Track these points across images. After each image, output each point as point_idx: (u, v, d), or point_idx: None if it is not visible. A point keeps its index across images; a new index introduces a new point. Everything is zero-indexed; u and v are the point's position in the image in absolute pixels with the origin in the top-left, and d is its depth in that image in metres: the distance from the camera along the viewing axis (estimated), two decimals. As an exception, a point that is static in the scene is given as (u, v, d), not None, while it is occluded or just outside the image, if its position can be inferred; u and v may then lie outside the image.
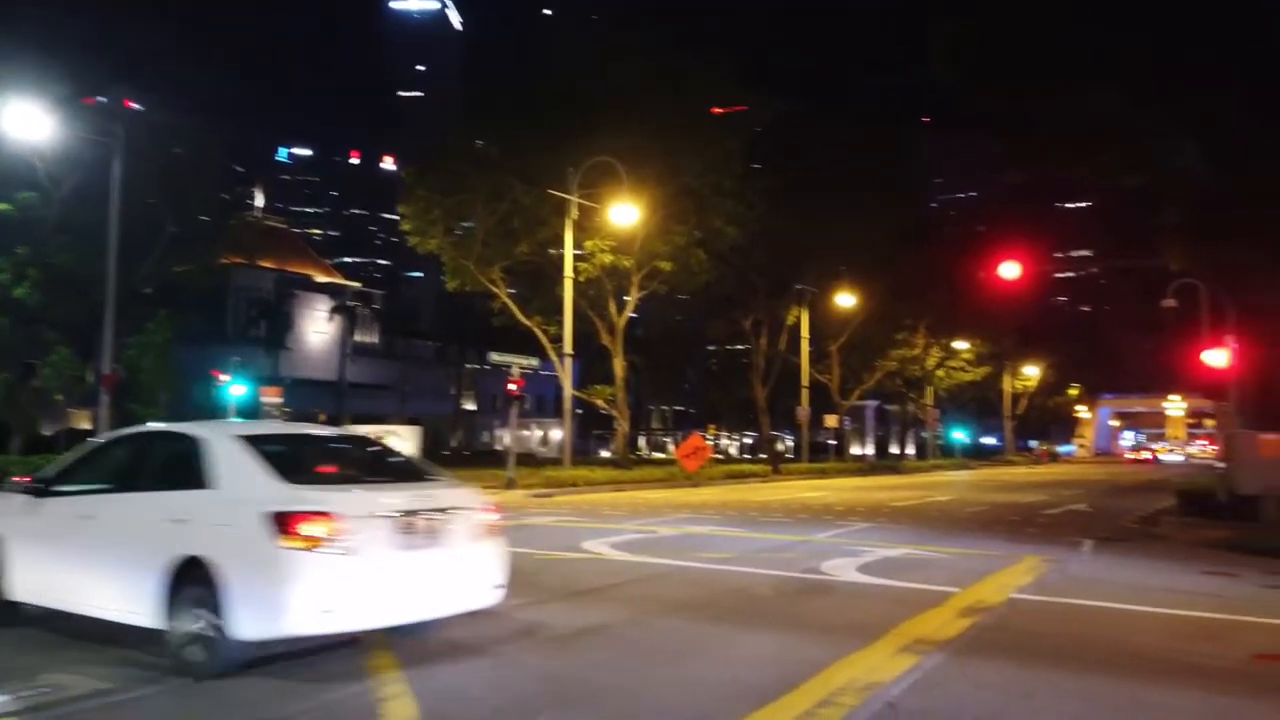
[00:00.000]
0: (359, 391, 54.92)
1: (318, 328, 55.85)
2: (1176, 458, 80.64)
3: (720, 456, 55.42)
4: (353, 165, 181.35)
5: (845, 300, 42.76)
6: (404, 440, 21.50)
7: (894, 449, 70.41)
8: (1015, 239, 38.26)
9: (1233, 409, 21.00)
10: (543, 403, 64.28)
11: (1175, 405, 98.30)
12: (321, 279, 59.01)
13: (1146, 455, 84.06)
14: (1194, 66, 17.85)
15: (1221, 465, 19.29)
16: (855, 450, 60.84)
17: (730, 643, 6.81)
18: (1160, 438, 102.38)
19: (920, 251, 45.88)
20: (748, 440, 77.94)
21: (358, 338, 57.88)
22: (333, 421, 33.74)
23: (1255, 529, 15.59)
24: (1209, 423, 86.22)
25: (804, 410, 44.03)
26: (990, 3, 20.34)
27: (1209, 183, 19.73)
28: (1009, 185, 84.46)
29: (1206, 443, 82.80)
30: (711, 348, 64.54)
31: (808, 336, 43.37)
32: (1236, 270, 20.23)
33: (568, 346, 29.49)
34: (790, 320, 43.78)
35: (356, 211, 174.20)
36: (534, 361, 36.29)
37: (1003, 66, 19.43)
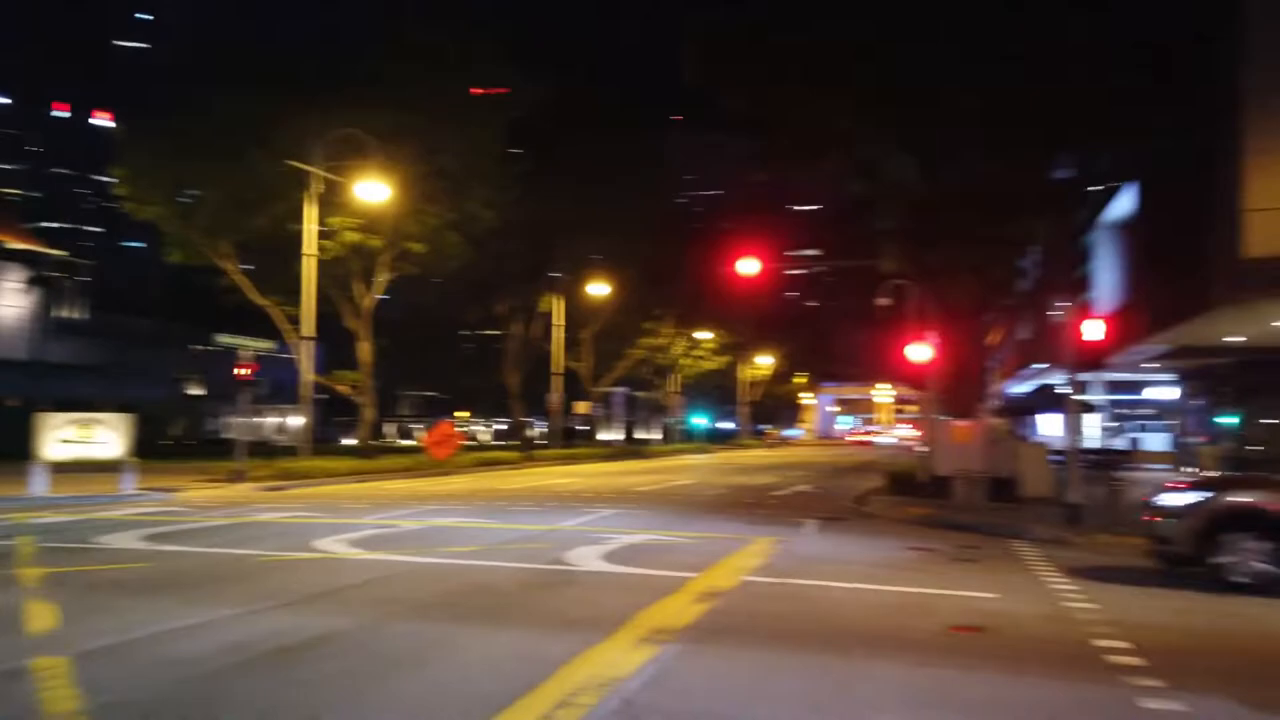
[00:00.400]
0: (62, 373, 48.69)
1: (10, 301, 48.87)
2: (889, 440, 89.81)
3: (472, 443, 54.72)
4: (59, 118, 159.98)
5: (598, 289, 43.55)
6: (111, 429, 19.21)
7: (641, 434, 72.83)
8: (755, 237, 40.58)
9: (933, 398, 23.51)
10: (281, 388, 60.10)
11: (884, 393, 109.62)
12: (15, 245, 51.61)
13: (865, 438, 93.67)
14: (911, 86, 19.70)
15: (923, 449, 21.60)
16: (605, 435, 62.27)
17: (472, 644, 6.61)
18: (871, 422, 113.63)
19: (670, 244, 47.62)
20: (500, 427, 77.50)
21: (61, 313, 51.30)
22: (27, 407, 29.54)
23: (948, 506, 17.57)
24: (911, 409, 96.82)
25: (556, 396, 44.44)
26: (732, 8, 21.32)
27: (920, 193, 21.89)
28: (751, 185, 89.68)
29: (911, 427, 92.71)
30: (465, 333, 63.44)
31: (562, 324, 43.74)
32: (939, 273, 22.62)
33: (308, 329, 27.74)
34: (545, 307, 43.95)
35: (63, 171, 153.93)
36: (269, 344, 33.70)
37: (743, 70, 20.46)
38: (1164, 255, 24.57)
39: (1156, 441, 37.98)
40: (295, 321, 29.25)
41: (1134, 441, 37.05)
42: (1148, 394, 42.53)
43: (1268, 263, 15.55)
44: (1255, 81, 15.84)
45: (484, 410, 74.87)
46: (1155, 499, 10.37)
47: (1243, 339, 22.49)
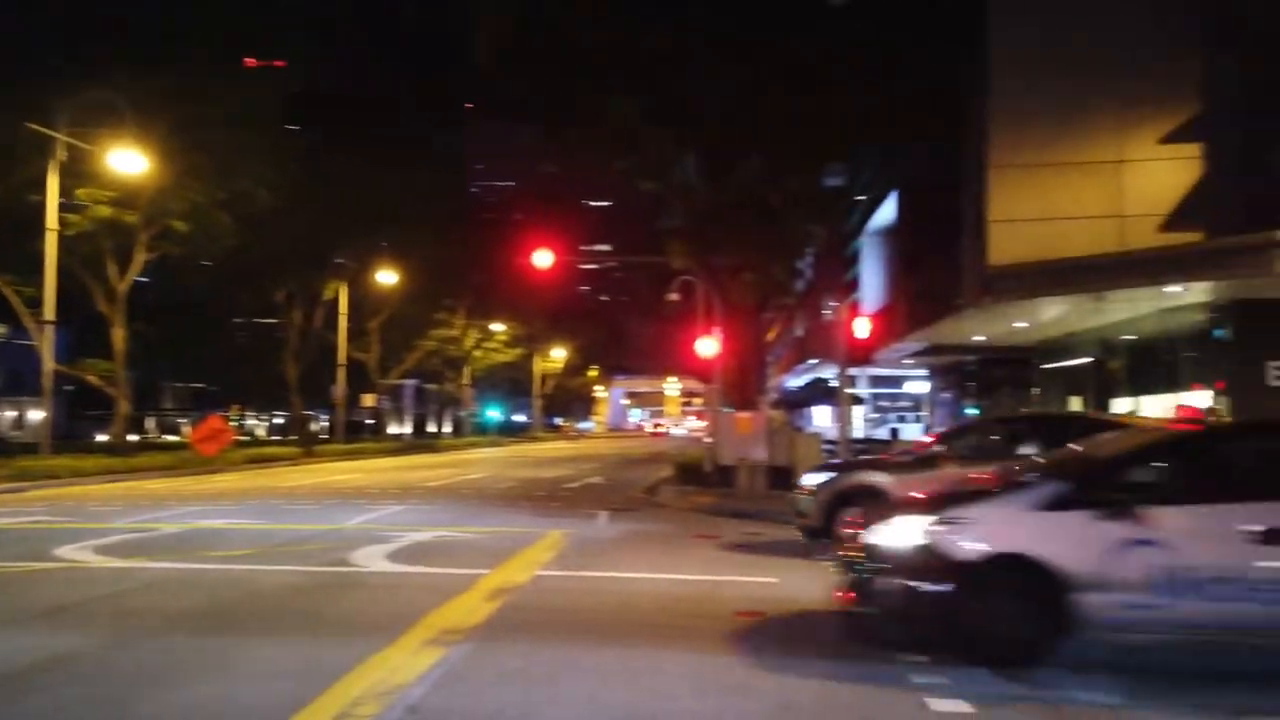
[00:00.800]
0: None
1: None
2: (682, 432, 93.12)
3: (245, 439, 51.27)
4: None
5: (386, 278, 41.99)
6: None
7: (432, 427, 71.05)
8: (548, 229, 40.59)
9: (718, 390, 24.45)
10: (19, 378, 53.63)
11: (672, 386, 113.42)
12: None
13: (662, 430, 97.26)
14: (693, 90, 20.35)
15: (709, 439, 22.42)
16: (394, 429, 60.19)
17: (241, 658, 6.08)
18: (661, 415, 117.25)
19: (461, 234, 46.65)
20: (279, 421, 73.03)
21: None
22: None
23: (732, 495, 18.31)
24: (698, 401, 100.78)
25: (340, 389, 42.42)
26: None
27: (704, 194, 22.69)
28: (544, 178, 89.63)
29: (696, 419, 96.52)
30: (239, 320, 59.14)
31: (346, 313, 41.80)
32: (722, 272, 23.54)
33: (50, 312, 24.85)
34: (328, 295, 41.75)
35: None
36: (0, 329, 29.80)
37: (534, 61, 20.37)
38: (921, 260, 26.86)
39: (913, 431, 41.53)
40: (35, 304, 26.14)
41: (894, 431, 40.32)
42: (906, 388, 46.42)
43: (1008, 270, 17.31)
44: (1000, 104, 17.59)
45: (260, 404, 70.15)
46: (800, 479, 11.58)
47: (985, 338, 24.95)
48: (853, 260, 42.36)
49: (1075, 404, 23.45)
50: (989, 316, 20.48)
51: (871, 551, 6.26)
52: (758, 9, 20.21)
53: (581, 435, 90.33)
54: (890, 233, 34.97)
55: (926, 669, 5.74)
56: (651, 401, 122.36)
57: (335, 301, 41.60)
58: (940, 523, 5.99)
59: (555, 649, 6.30)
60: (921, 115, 22.34)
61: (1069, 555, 5.67)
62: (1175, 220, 16.39)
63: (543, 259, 26.14)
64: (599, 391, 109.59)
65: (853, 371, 28.48)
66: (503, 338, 59.04)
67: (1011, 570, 5.76)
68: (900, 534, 6.13)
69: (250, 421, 72.05)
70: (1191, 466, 6.27)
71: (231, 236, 30.36)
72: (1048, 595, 5.67)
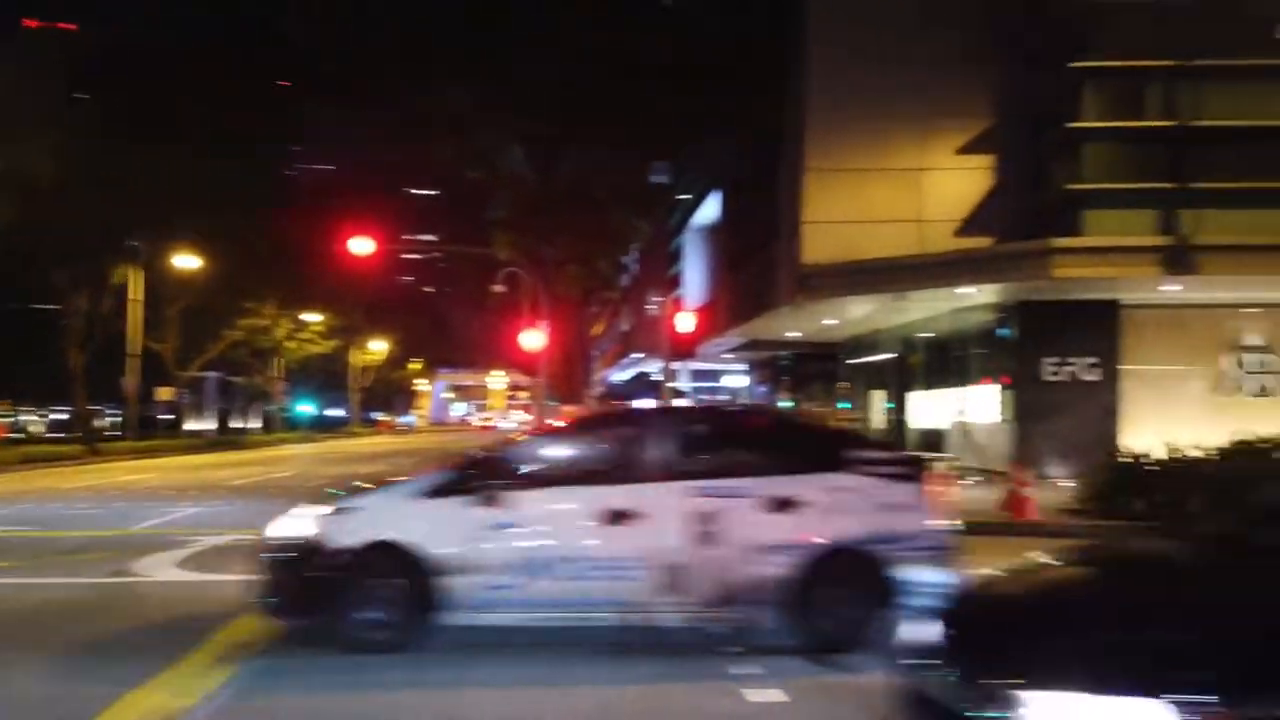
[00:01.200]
0: None
1: None
2: (510, 425, 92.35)
3: (19, 436, 46.42)
4: None
5: (188, 262, 39.02)
6: None
7: (238, 423, 66.82)
8: (369, 217, 38.95)
9: (543, 384, 24.28)
10: None
11: (497, 379, 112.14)
12: None
13: (491, 423, 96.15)
14: (523, 83, 20.11)
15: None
16: (194, 425, 56.08)
17: (-10, 686, 5.35)
18: (485, 408, 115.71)
19: (274, 219, 43.99)
20: (60, 417, 66.51)
21: None
22: None
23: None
24: (523, 394, 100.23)
25: (133, 381, 39.05)
26: None
27: (531, 185, 22.49)
28: (365, 164, 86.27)
29: (523, 412, 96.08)
30: (12, 306, 53.39)
31: (140, 299, 38.51)
32: (547, 264, 23.43)
33: None
34: (119, 279, 38.28)
35: None
36: None
37: (359, 43, 19.51)
38: (741, 258, 27.73)
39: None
40: None
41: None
42: (725, 382, 47.88)
43: (819, 269, 18.10)
44: (816, 110, 18.33)
45: (37, 398, 63.63)
46: None
47: (799, 335, 26.06)
48: (676, 256, 43.23)
49: (878, 397, 24.90)
50: (802, 314, 21.37)
51: (275, 543, 6.25)
52: (590, 3, 20.21)
53: (405, 430, 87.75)
54: (712, 231, 35.90)
55: (743, 659, 5.79)
56: (476, 395, 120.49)
57: (127, 287, 38.22)
58: (331, 513, 6.15)
59: (364, 658, 5.93)
60: (743, 116, 23.02)
61: (437, 540, 5.88)
62: (969, 226, 17.65)
63: (361, 246, 25.01)
64: (421, 385, 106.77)
65: (675, 365, 29.04)
66: (318, 328, 56.28)
67: (384, 557, 5.90)
68: (296, 525, 6.21)
69: (25, 417, 65.36)
70: (556, 454, 6.71)
71: (6, 210, 27.28)
72: (418, 580, 5.84)
